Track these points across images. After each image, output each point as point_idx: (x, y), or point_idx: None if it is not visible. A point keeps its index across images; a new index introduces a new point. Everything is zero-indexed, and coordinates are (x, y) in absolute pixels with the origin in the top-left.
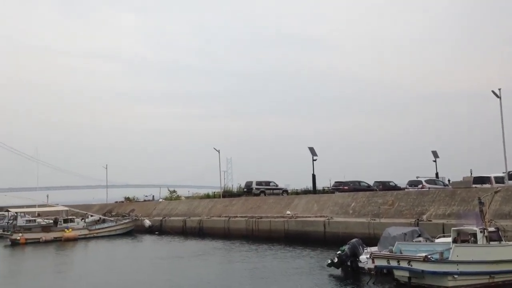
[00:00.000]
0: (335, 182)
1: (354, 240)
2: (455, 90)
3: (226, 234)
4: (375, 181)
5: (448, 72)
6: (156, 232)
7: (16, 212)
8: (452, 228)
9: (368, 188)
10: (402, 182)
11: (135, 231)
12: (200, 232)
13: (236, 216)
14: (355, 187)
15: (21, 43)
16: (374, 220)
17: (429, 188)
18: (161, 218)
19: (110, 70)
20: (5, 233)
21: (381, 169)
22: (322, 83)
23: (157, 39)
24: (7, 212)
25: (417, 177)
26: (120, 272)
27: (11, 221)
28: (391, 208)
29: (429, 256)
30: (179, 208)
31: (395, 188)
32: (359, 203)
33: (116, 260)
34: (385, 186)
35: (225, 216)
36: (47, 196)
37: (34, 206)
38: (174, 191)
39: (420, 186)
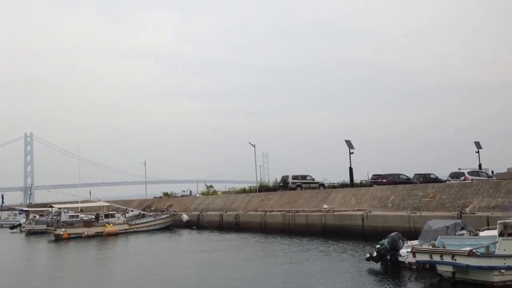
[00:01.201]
0: (373, 175)
1: (393, 233)
2: (499, 79)
3: (262, 228)
4: (415, 174)
5: (493, 61)
6: (194, 227)
7: (59, 208)
8: (498, 221)
9: (407, 181)
10: (442, 174)
11: (173, 225)
12: (236, 227)
13: (273, 211)
14: (394, 180)
15: (62, 44)
16: (415, 213)
17: (472, 180)
18: (198, 213)
19: (147, 68)
20: (49, 228)
21: (420, 162)
22: (360, 75)
23: (192, 36)
24: (51, 208)
25: (459, 169)
26: (163, 266)
27: (55, 217)
28: (432, 201)
29: (474, 250)
30: (216, 202)
31: (436, 180)
32: (398, 196)
33: (157, 254)
34: (426, 179)
35: (262, 211)
36: (90, 192)
37: (77, 202)
38: (211, 186)
39: (462, 178)
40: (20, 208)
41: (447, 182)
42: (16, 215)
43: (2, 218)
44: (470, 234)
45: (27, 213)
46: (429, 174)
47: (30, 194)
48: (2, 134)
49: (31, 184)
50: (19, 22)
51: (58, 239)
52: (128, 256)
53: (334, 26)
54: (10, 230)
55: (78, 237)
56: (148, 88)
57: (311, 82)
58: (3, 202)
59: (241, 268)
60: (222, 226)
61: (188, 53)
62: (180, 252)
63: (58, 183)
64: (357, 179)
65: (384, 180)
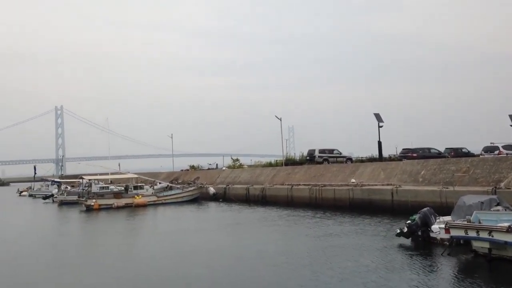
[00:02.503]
0: (403, 149)
1: (425, 209)
2: None
3: (289, 202)
4: (446, 148)
5: None
6: (220, 200)
7: (89, 180)
8: None
9: (438, 155)
10: (475, 149)
11: (200, 198)
12: (263, 200)
13: (299, 184)
14: (425, 154)
15: (96, 17)
16: (447, 188)
17: (507, 154)
18: (224, 186)
19: (169, 39)
20: (80, 199)
21: (450, 136)
22: (385, 49)
23: (217, 7)
24: (81, 180)
25: (491, 143)
26: (193, 237)
27: (86, 188)
28: (466, 176)
29: None
30: (242, 176)
31: (468, 155)
32: (429, 170)
33: (186, 225)
34: (457, 153)
35: (288, 184)
36: (119, 164)
37: (106, 174)
38: (237, 160)
39: (496, 152)
40: (52, 179)
41: (481, 156)
42: (48, 186)
43: (35, 189)
44: (505, 210)
45: (59, 184)
46: (461, 148)
47: (62, 166)
48: (35, 107)
49: (62, 156)
50: None
51: (89, 209)
52: (157, 227)
53: None
54: (43, 201)
55: (108, 208)
56: (175, 62)
57: (342, 56)
58: (35, 173)
59: (267, 241)
60: (248, 200)
61: (213, 26)
62: (209, 224)
63: (89, 155)
64: (385, 153)
65: (414, 154)
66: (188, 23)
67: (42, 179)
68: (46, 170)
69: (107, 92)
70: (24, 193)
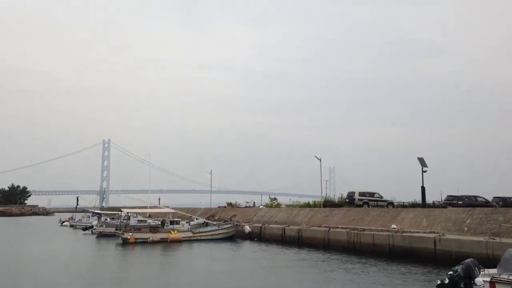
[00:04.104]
0: (448, 196)
1: (469, 260)
2: None
3: (325, 245)
4: (494, 197)
5: None
6: (255, 239)
7: (128, 212)
8: None
9: (486, 204)
10: None
11: (235, 236)
12: (299, 241)
13: (337, 227)
14: (471, 202)
15: (141, 55)
16: (494, 239)
17: None
18: (260, 225)
19: (218, 79)
20: (118, 231)
21: (496, 184)
22: (430, 91)
23: (265, 49)
24: (120, 212)
25: None
26: (227, 278)
27: (124, 221)
28: None
29: None
30: (279, 215)
31: None
32: (475, 219)
33: (221, 264)
34: (506, 203)
35: (325, 226)
36: (159, 198)
37: (145, 207)
38: (275, 199)
39: None
40: (93, 210)
41: None
42: (89, 217)
43: (76, 219)
44: None
45: (99, 215)
46: (510, 198)
47: (104, 198)
48: (80, 141)
49: (105, 188)
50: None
51: (125, 242)
52: (192, 264)
53: (408, 38)
54: (83, 232)
55: (144, 242)
56: (217, 98)
57: (382, 98)
58: (77, 204)
59: (303, 285)
60: (283, 240)
61: (258, 66)
62: (244, 263)
63: (130, 188)
64: (430, 200)
65: (459, 202)
66: (233, 62)
67: (84, 210)
68: (88, 201)
69: (150, 126)
70: (65, 223)
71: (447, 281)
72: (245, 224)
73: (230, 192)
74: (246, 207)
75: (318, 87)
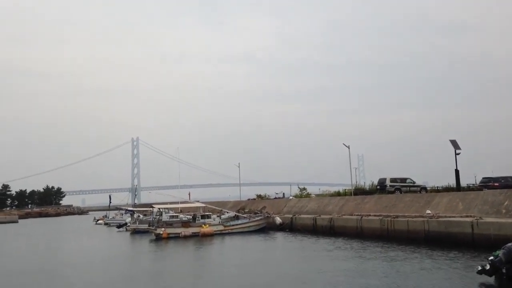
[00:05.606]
0: (483, 178)
1: (510, 244)
2: None
3: (358, 234)
4: None
5: None
6: (287, 230)
7: (160, 208)
8: None
9: None
10: None
11: (266, 228)
12: (331, 231)
13: (369, 215)
14: (508, 183)
15: (166, 51)
16: None
17: None
18: (291, 215)
19: (241, 71)
20: (151, 228)
21: None
22: (462, 72)
23: (287, 38)
24: (152, 208)
25: None
26: (264, 268)
27: (157, 217)
28: None
29: None
30: (309, 206)
31: None
32: None
33: (256, 256)
34: None
35: (357, 215)
36: (189, 193)
37: (177, 202)
38: (304, 189)
39: None
40: (126, 208)
41: None
42: (122, 214)
43: (109, 217)
44: None
45: (132, 212)
46: None
47: (136, 195)
48: (111, 139)
49: (136, 185)
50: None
51: (158, 238)
52: (226, 257)
53: (439, 19)
54: (117, 229)
55: (176, 237)
56: (241, 90)
57: (411, 80)
58: (110, 202)
59: (338, 274)
60: (315, 230)
61: (283, 56)
62: (278, 254)
63: (161, 185)
64: (464, 183)
65: (496, 184)
66: (260, 54)
67: (117, 208)
68: (121, 199)
69: (177, 121)
70: (100, 221)
71: (488, 267)
72: (276, 215)
73: (258, 185)
74: (275, 198)
75: (346, 73)
